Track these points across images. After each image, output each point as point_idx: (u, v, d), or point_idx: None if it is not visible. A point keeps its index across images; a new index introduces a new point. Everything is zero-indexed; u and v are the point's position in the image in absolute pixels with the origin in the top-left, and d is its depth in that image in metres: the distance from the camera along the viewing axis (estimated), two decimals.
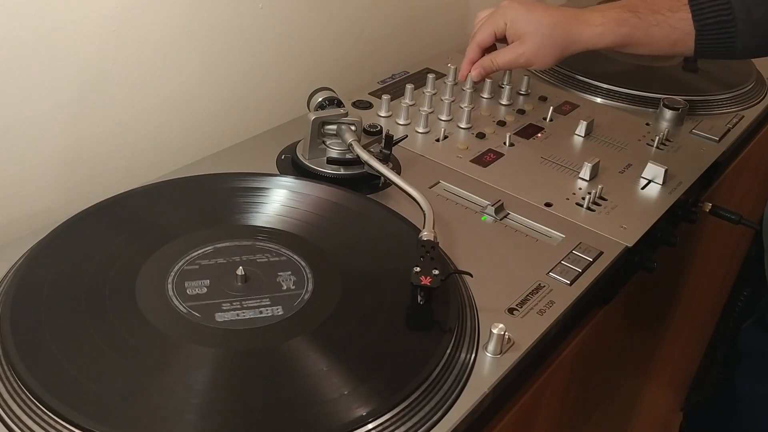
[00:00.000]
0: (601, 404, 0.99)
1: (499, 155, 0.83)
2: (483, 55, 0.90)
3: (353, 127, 0.74)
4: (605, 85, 1.00)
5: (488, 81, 0.95)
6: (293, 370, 0.52)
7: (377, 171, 0.71)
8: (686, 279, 1.14)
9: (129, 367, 0.50)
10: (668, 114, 0.94)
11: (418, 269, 0.56)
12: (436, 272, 0.56)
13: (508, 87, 0.95)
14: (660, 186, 0.80)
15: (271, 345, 0.53)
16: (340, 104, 0.77)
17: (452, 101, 0.90)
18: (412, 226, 0.66)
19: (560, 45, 0.84)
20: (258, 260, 0.61)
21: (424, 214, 0.64)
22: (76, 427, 0.46)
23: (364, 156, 0.71)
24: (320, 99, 0.77)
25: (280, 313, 0.56)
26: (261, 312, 0.56)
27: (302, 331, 0.54)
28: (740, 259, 1.51)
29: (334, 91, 0.78)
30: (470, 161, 0.82)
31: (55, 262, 0.59)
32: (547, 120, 0.92)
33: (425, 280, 0.55)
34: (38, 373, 0.49)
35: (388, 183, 0.74)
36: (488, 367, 0.56)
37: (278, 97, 0.94)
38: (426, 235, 0.61)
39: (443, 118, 0.89)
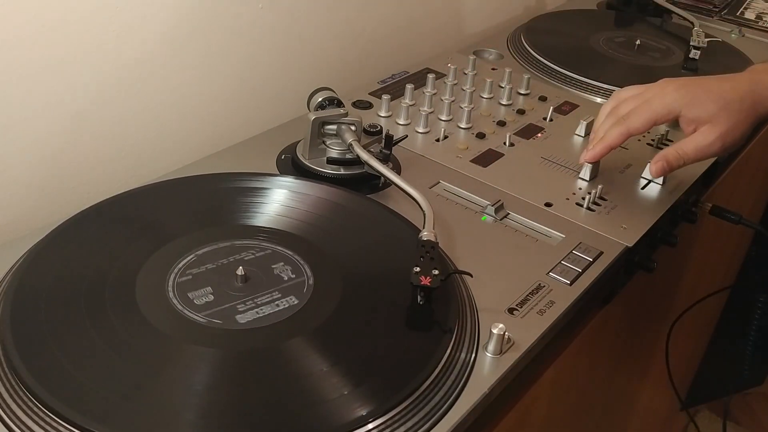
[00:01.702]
0: (601, 404, 0.99)
1: (499, 155, 0.83)
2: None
3: (353, 127, 0.74)
4: (605, 85, 1.00)
5: (488, 81, 0.95)
6: (293, 370, 0.52)
7: (377, 171, 0.71)
8: (686, 279, 1.14)
9: (129, 367, 0.50)
10: None
11: (418, 269, 0.56)
12: (436, 272, 0.56)
13: (508, 87, 0.95)
14: (660, 186, 0.80)
15: (272, 345, 0.53)
16: (340, 104, 0.77)
17: (452, 101, 0.90)
18: (412, 226, 0.66)
19: (753, 116, 0.73)
20: (258, 260, 0.61)
21: (424, 214, 0.64)
22: (77, 427, 0.46)
23: (364, 156, 0.71)
24: (320, 99, 0.77)
25: (279, 313, 0.56)
26: (261, 312, 0.56)
27: (302, 331, 0.55)
28: (740, 259, 1.51)
29: (334, 91, 0.78)
30: (470, 161, 0.82)
31: (55, 262, 0.59)
32: (547, 120, 0.92)
33: (425, 280, 0.55)
34: (38, 373, 0.49)
35: (388, 183, 0.74)
36: (488, 367, 0.56)
37: (278, 97, 0.94)
38: (426, 235, 0.61)
39: (443, 118, 0.89)
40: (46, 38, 0.68)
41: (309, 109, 0.77)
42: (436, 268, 0.56)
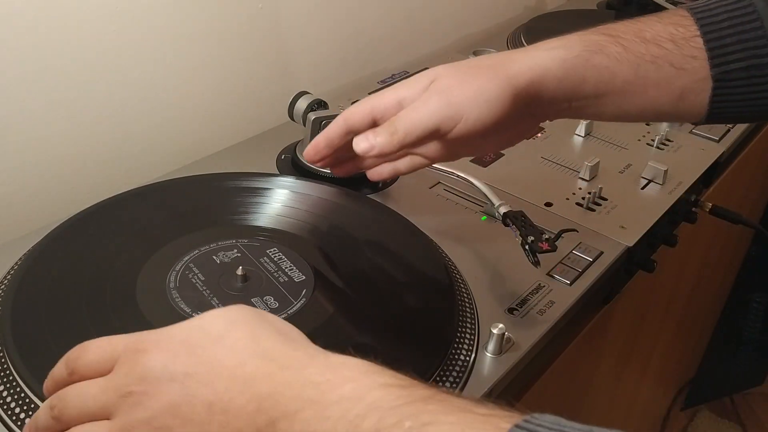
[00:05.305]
0: (601, 404, 0.99)
1: (499, 155, 0.83)
2: None
3: None
4: None
5: None
6: None
7: None
8: (686, 279, 1.14)
9: None
10: None
11: (532, 238, 0.59)
12: (546, 236, 0.59)
13: None
14: (660, 186, 0.80)
15: None
16: (326, 105, 0.77)
17: None
18: (412, 226, 0.66)
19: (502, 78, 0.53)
20: (258, 260, 0.61)
21: (483, 191, 0.68)
22: None
23: None
24: (309, 102, 0.76)
25: (279, 314, 0.56)
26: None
27: (301, 331, 0.54)
28: (740, 259, 1.51)
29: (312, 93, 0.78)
30: (470, 161, 0.82)
31: (55, 262, 0.59)
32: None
33: (545, 246, 0.59)
34: (39, 373, 0.49)
35: (388, 183, 0.74)
36: (488, 367, 0.56)
37: (278, 97, 0.94)
38: (505, 206, 0.64)
39: None
40: (46, 38, 0.68)
41: (292, 116, 0.76)
42: (542, 233, 0.60)
